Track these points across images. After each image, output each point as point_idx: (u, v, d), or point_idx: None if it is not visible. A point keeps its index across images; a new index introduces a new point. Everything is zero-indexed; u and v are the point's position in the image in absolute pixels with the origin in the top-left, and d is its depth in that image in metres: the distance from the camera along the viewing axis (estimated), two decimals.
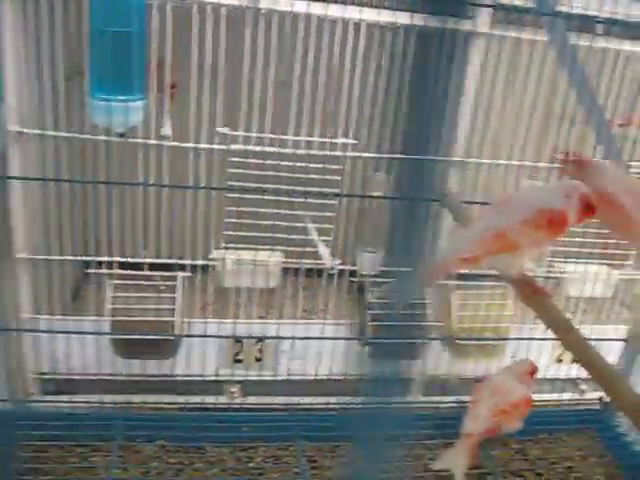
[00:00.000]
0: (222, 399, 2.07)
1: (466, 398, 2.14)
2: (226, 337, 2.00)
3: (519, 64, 1.94)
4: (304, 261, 2.05)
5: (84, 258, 2.00)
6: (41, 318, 1.97)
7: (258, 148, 1.88)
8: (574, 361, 1.98)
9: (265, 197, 1.91)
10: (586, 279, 2.20)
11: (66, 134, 1.85)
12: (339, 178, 1.97)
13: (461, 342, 2.15)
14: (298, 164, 1.91)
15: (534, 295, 1.26)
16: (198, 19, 1.78)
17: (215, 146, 1.93)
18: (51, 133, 1.83)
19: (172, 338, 2.00)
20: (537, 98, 1.98)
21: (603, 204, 1.26)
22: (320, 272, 2.11)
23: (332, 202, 1.99)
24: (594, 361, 1.13)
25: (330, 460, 1.85)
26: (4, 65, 1.72)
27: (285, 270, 2.13)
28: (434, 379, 2.29)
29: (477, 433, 1.67)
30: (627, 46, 1.95)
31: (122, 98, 1.68)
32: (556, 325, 1.20)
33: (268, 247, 2.01)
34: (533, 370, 1.77)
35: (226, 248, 2.11)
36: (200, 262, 2.04)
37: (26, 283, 1.93)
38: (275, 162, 1.91)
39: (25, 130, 1.80)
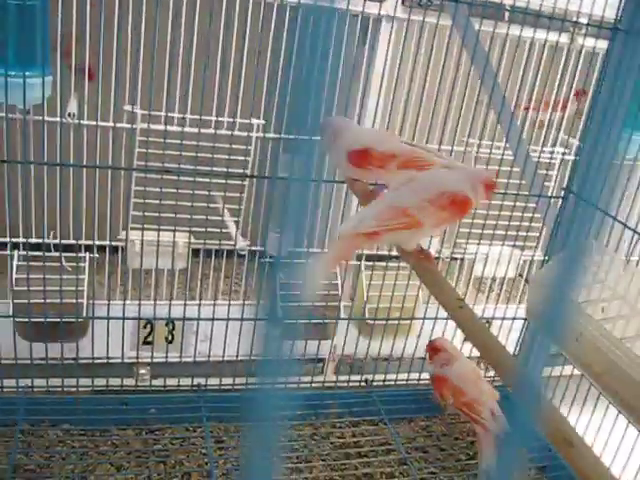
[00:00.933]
0: (129, 381, 2.05)
1: (374, 377, 2.19)
2: (131, 319, 1.97)
3: (438, 48, 1.97)
4: (214, 242, 2.04)
5: None
6: None
7: (162, 127, 1.86)
8: (465, 339, 2.03)
9: (172, 177, 1.89)
10: (492, 260, 2.26)
11: None
12: (248, 159, 1.97)
13: (370, 322, 2.18)
14: (205, 144, 1.90)
15: (420, 259, 1.31)
16: None
17: (122, 125, 1.90)
18: None
19: (79, 320, 1.97)
20: (456, 81, 2.01)
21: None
22: (230, 253, 2.11)
23: (241, 183, 1.99)
24: (482, 336, 1.17)
25: (236, 440, 1.85)
26: None
27: (195, 252, 2.12)
28: (344, 358, 2.33)
29: (358, 232, 1.24)
30: (529, 33, 2.00)
31: (22, 74, 1.63)
32: (439, 288, 1.24)
33: (177, 228, 2.00)
34: (491, 184, 1.35)
35: (134, 229, 2.08)
36: (107, 243, 2.01)
37: None
38: (184, 142, 1.89)
39: None
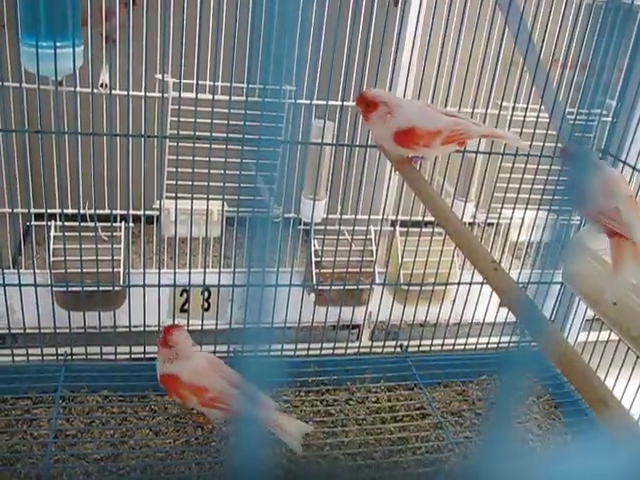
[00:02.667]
0: None
1: (409, 342, 2.19)
2: (167, 286, 1.99)
3: (472, 7, 1.92)
4: (247, 210, 2.04)
5: (25, 210, 1.97)
6: None
7: (193, 95, 1.85)
8: (500, 304, 2.01)
9: (205, 145, 1.89)
10: (527, 225, 2.23)
11: (7, 83, 1.80)
12: (280, 125, 1.96)
13: (405, 287, 2.18)
14: (237, 111, 1.89)
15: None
16: None
17: (153, 94, 1.90)
18: None
19: (116, 289, 1.99)
20: (489, 42, 1.96)
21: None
22: (264, 221, 2.11)
23: (273, 149, 1.98)
24: (517, 299, 1.15)
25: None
26: None
27: (230, 220, 2.13)
28: (380, 324, 2.33)
29: None
30: None
31: (52, 44, 1.63)
32: (473, 251, 1.24)
33: (210, 196, 2.00)
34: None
35: (168, 198, 2.09)
36: (143, 212, 2.02)
37: None
38: (215, 109, 1.89)
39: None
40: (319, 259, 2.16)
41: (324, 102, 1.97)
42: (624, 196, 1.35)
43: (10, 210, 1.94)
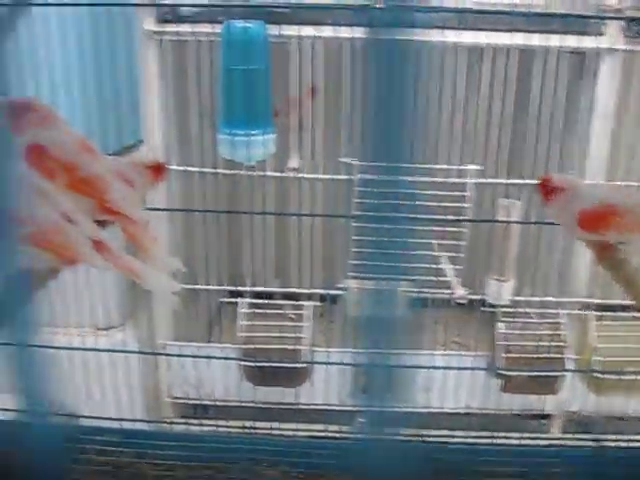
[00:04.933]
0: (346, 428, 2.06)
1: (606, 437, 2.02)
2: (348, 365, 1.99)
3: None
4: (432, 290, 2.02)
5: (224, 288, 2.06)
6: (177, 344, 2.05)
7: (376, 177, 1.87)
8: None
9: (389, 226, 1.90)
10: None
11: (204, 169, 1.93)
12: (466, 205, 1.93)
13: (600, 376, 2.02)
14: (420, 192, 1.90)
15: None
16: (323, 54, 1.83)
17: (339, 176, 1.96)
18: (193, 169, 1.92)
19: (300, 366, 2.02)
20: None
21: None
22: (448, 302, 2.07)
23: (458, 230, 1.95)
24: None
25: None
26: (149, 109, 1.84)
27: (414, 300, 2.10)
28: (572, 415, 2.17)
29: None
30: None
31: (246, 132, 1.74)
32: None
33: (395, 277, 1.99)
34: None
35: (353, 278, 2.11)
36: (326, 291, 2.05)
37: (165, 311, 2.02)
38: (399, 190, 1.90)
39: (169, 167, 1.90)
40: (505, 342, 2.06)
41: (510, 181, 1.92)
42: None
43: (206, 287, 2.04)
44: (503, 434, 2.03)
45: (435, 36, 1.78)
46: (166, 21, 1.78)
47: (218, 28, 1.73)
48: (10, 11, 1.51)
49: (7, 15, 1.54)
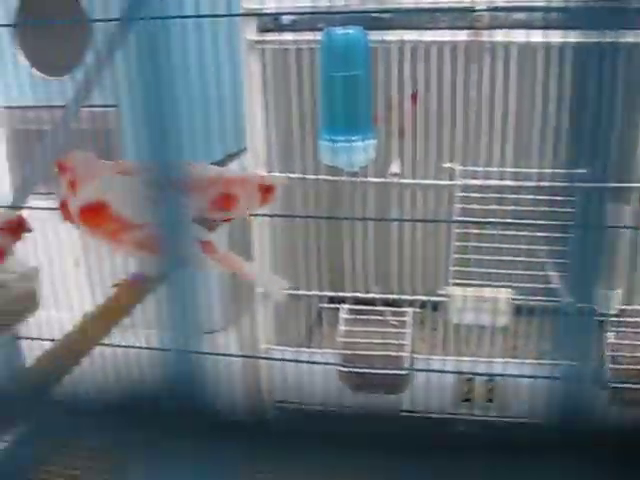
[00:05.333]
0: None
1: None
2: (450, 372, 1.96)
3: None
4: (537, 298, 1.96)
5: (325, 293, 2.08)
6: (280, 349, 2.07)
7: (480, 182, 1.84)
8: None
9: (492, 232, 1.86)
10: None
11: (306, 176, 1.95)
12: (570, 210, 1.87)
13: None
14: (525, 197, 1.85)
15: None
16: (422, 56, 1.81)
17: (441, 182, 1.93)
18: (295, 175, 1.94)
19: (400, 374, 2.00)
20: None
21: None
22: (555, 310, 2.00)
23: (565, 235, 1.89)
24: None
25: None
26: (252, 117, 1.87)
27: (518, 308, 2.05)
28: None
29: None
30: None
31: (347, 138, 1.75)
32: None
33: (499, 283, 1.95)
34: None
35: (455, 284, 2.08)
36: (428, 298, 2.03)
37: (267, 316, 2.05)
38: (504, 195, 1.86)
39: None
40: (615, 353, 1.98)
41: (618, 184, 1.84)
42: None
43: (307, 292, 2.06)
44: None
45: None
46: (268, 30, 1.81)
47: (319, 35, 1.74)
48: (120, 26, 1.57)
49: (118, 30, 1.61)
